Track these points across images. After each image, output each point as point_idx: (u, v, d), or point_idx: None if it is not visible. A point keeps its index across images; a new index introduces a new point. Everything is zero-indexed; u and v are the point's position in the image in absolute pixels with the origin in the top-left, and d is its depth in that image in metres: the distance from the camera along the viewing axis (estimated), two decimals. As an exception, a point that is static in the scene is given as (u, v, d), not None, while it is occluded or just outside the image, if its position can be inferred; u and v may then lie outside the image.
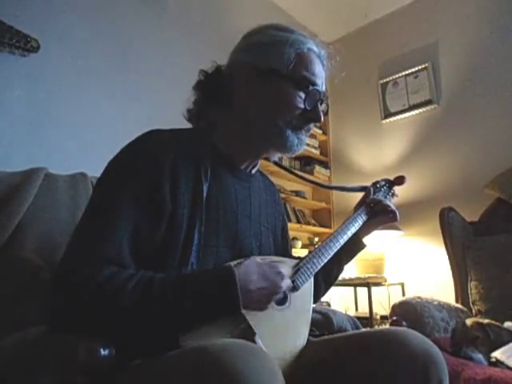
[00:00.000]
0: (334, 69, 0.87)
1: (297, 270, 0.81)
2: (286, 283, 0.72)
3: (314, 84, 0.79)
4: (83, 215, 0.69)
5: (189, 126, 0.88)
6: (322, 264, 0.85)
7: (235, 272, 0.63)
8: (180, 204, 0.71)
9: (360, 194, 1.05)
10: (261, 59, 0.79)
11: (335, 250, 0.88)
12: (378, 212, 0.98)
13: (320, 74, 0.81)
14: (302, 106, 0.78)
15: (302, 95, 0.78)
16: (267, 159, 0.91)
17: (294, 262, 0.83)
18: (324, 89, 0.83)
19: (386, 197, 1.04)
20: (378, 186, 1.05)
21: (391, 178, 1.08)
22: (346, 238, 0.91)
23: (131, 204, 0.67)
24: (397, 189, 1.09)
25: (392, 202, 1.02)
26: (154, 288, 0.61)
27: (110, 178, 0.72)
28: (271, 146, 0.83)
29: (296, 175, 1.17)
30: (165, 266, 0.68)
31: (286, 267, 0.74)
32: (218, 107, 0.84)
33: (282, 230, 0.99)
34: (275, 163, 0.95)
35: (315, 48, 0.82)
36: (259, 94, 0.79)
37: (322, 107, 0.82)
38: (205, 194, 0.74)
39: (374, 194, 1.03)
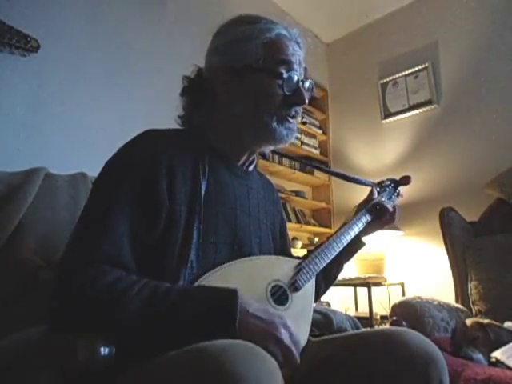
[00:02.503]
0: (308, 44, 0.86)
1: (299, 269, 0.81)
2: (287, 334, 0.63)
3: (288, 66, 0.79)
4: (82, 214, 0.69)
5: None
6: (324, 264, 0.85)
7: (238, 298, 0.60)
8: (177, 201, 0.71)
9: (361, 195, 1.05)
10: (231, 59, 0.79)
11: (338, 251, 0.88)
12: (379, 214, 0.98)
13: (295, 53, 0.81)
14: (281, 92, 0.78)
15: (280, 82, 0.78)
16: (263, 156, 0.91)
17: (297, 261, 0.83)
18: (303, 67, 0.82)
19: (390, 197, 1.04)
20: (383, 185, 1.05)
21: (397, 177, 1.08)
22: (349, 238, 0.91)
23: (129, 202, 0.67)
24: (402, 187, 1.09)
25: (397, 202, 1.03)
26: (155, 298, 0.60)
27: (107, 177, 0.72)
28: (262, 141, 0.83)
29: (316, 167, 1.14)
30: (164, 264, 0.68)
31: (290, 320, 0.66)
32: (205, 110, 0.85)
33: (281, 228, 0.99)
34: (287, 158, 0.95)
35: (284, 31, 0.81)
36: (238, 93, 0.79)
37: (306, 86, 0.81)
38: (203, 192, 0.75)
39: (379, 193, 1.03)
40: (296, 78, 0.79)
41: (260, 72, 0.78)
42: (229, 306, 0.59)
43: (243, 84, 0.79)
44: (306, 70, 0.83)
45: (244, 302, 0.61)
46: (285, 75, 0.78)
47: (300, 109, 0.84)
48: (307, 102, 0.82)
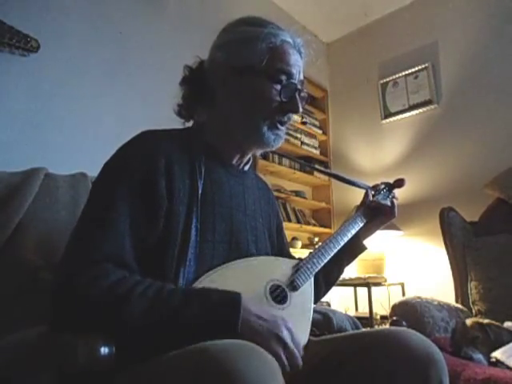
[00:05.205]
0: (310, 56, 0.87)
1: (297, 269, 0.81)
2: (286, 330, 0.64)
3: (289, 75, 0.80)
4: (81, 215, 0.69)
5: (180, 121, 0.89)
6: (322, 264, 0.86)
7: (241, 300, 0.62)
8: (176, 200, 0.72)
9: (361, 195, 1.06)
10: (234, 57, 0.80)
11: (335, 251, 0.89)
12: (376, 212, 1.01)
13: (296, 64, 0.81)
14: (278, 98, 0.79)
15: (278, 87, 0.79)
16: (263, 156, 0.91)
17: (295, 261, 0.84)
18: (302, 77, 0.83)
19: (385, 199, 1.05)
20: (378, 188, 1.07)
21: (391, 180, 1.09)
22: (345, 239, 0.93)
23: (129, 201, 0.67)
24: (397, 190, 1.10)
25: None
26: (159, 300, 0.61)
27: (106, 177, 0.73)
28: (250, 143, 0.84)
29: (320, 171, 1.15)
30: (164, 263, 0.68)
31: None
32: (203, 104, 0.85)
33: (278, 228, 1.00)
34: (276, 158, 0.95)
35: (289, 39, 0.82)
36: (236, 91, 0.80)
37: (301, 96, 0.82)
38: (200, 191, 0.75)
39: (374, 196, 1.04)
40: (294, 87, 0.80)
41: (260, 74, 0.78)
42: (232, 308, 0.60)
43: (242, 83, 0.80)
44: (303, 81, 0.84)
45: (247, 304, 0.62)
46: (284, 82, 0.79)
47: (292, 116, 0.85)
48: (301, 111, 0.83)
